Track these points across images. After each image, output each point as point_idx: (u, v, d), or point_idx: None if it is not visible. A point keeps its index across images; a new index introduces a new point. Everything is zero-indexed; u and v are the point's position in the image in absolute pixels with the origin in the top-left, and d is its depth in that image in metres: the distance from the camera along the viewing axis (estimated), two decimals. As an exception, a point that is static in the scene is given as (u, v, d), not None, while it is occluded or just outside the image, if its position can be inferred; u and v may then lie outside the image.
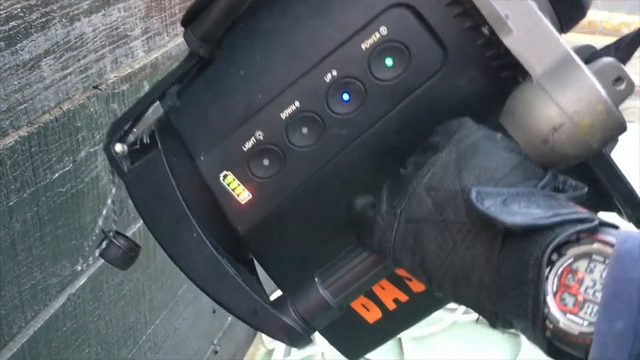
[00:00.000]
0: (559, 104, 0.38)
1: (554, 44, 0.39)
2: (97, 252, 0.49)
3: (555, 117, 0.38)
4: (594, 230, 0.34)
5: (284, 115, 0.43)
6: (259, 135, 0.44)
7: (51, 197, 0.71)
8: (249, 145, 0.44)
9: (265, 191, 0.45)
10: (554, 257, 0.34)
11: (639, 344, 0.31)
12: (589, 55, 0.43)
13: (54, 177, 0.71)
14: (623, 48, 0.44)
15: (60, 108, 0.72)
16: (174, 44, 0.97)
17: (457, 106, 0.42)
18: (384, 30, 0.41)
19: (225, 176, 0.45)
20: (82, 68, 0.75)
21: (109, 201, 0.83)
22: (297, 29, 0.44)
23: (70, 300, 0.78)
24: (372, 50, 0.42)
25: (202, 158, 0.45)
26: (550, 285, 0.34)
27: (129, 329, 0.96)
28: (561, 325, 0.33)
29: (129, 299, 0.94)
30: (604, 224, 0.35)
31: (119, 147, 0.48)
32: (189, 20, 0.45)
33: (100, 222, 0.81)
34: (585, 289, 0.33)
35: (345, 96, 0.43)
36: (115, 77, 0.82)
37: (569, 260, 0.34)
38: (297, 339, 0.45)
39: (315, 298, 0.44)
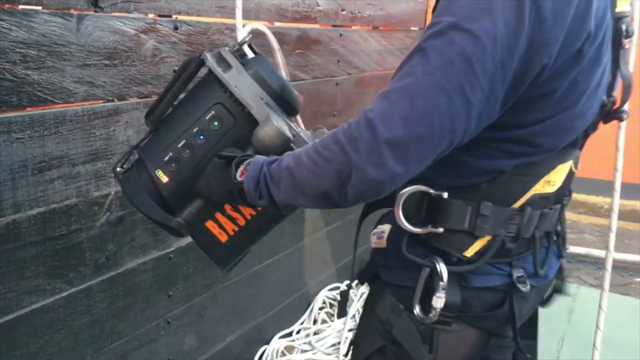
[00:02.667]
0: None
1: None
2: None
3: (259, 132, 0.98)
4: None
5: (179, 145, 1.01)
6: (170, 154, 1.01)
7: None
8: (166, 158, 1.02)
9: (172, 177, 1.01)
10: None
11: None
12: None
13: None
14: None
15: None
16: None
17: (239, 138, 1.00)
18: (212, 112, 1.00)
19: (157, 171, 1.02)
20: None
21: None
22: (181, 115, 1.04)
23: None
24: (210, 119, 1.00)
25: (148, 164, 1.02)
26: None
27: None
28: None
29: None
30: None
31: (118, 168, 1.09)
32: (147, 115, 1.07)
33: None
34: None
35: (201, 137, 1.00)
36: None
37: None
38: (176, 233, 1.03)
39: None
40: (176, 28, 1.48)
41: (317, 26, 2.13)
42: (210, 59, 1.00)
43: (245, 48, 1.07)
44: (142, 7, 1.38)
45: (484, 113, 0.81)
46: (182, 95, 1.07)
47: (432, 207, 0.94)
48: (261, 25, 1.36)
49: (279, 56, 1.32)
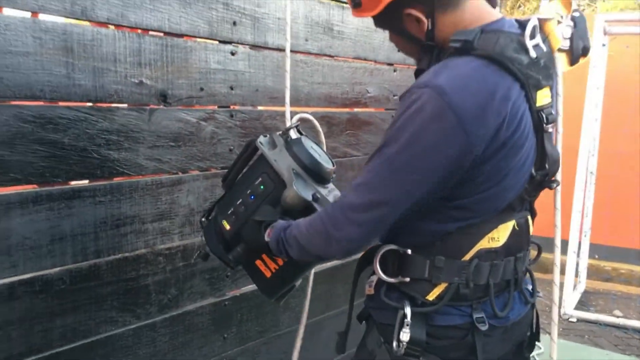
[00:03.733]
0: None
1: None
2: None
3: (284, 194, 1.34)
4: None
5: (237, 202, 1.40)
6: (232, 209, 1.41)
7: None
8: (229, 212, 1.42)
9: (232, 226, 1.40)
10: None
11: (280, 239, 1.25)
12: None
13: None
14: None
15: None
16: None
17: (277, 198, 1.35)
18: (260, 179, 1.39)
19: (223, 221, 1.42)
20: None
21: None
22: (242, 181, 1.46)
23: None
24: (258, 184, 1.38)
25: (218, 217, 1.44)
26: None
27: None
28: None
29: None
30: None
31: (204, 221, 1.51)
32: (222, 180, 1.52)
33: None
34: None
35: (252, 197, 1.39)
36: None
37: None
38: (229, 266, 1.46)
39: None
40: (232, 116, 1.85)
41: (368, 110, 2.44)
42: (262, 141, 1.43)
43: (291, 131, 1.46)
44: (202, 101, 1.76)
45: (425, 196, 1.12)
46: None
47: (401, 261, 1.24)
48: (307, 114, 1.69)
49: (322, 137, 1.69)
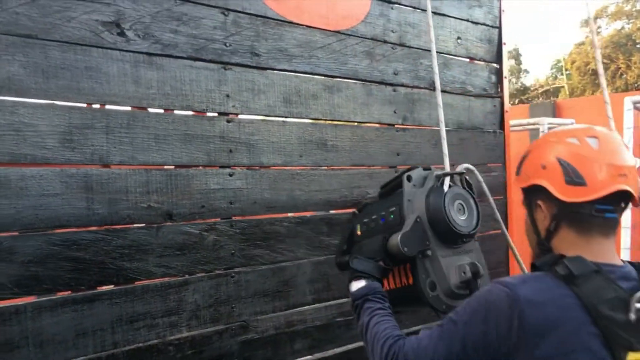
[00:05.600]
0: None
1: None
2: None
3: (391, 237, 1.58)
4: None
5: (373, 217, 1.73)
6: (367, 220, 1.76)
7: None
8: (365, 220, 1.79)
9: (362, 233, 1.76)
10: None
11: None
12: None
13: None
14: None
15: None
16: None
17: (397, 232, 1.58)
18: (393, 208, 1.64)
19: (357, 226, 1.81)
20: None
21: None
22: (385, 201, 1.76)
23: None
24: (390, 212, 1.68)
25: (355, 220, 1.84)
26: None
27: None
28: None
29: None
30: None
31: (356, 212, 1.95)
32: (381, 188, 1.91)
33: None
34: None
35: (382, 220, 1.66)
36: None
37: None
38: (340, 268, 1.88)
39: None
40: (232, 226, 2.24)
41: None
42: (413, 174, 1.61)
43: (447, 178, 1.55)
44: (205, 215, 2.17)
45: None
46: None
47: None
48: (471, 166, 1.72)
49: (484, 188, 1.77)
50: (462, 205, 1.52)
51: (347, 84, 2.61)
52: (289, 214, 2.41)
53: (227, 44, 2.22)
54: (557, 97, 24.22)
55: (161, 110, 2.07)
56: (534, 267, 1.37)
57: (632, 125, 4.17)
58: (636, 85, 20.24)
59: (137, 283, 2.00)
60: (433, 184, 1.53)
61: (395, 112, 2.80)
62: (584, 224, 1.35)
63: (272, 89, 2.35)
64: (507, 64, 3.33)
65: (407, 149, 2.84)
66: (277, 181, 2.36)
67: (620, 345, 1.15)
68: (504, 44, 3.27)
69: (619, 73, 21.12)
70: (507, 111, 3.27)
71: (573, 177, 1.33)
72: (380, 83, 2.74)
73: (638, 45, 21.10)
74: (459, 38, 3.11)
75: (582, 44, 22.84)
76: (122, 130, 1.95)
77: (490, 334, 1.24)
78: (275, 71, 2.37)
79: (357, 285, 1.60)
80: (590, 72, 21.64)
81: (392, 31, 2.79)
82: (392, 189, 1.67)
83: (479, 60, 3.22)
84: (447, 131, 2.95)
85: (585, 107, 6.32)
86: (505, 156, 3.28)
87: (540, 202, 1.41)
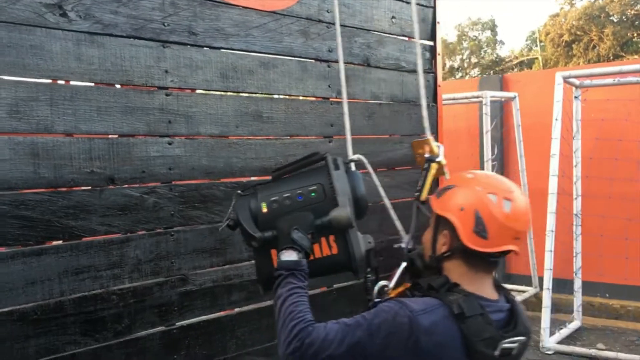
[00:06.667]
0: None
1: None
2: None
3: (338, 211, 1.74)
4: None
5: (284, 195, 1.80)
6: (276, 197, 1.80)
7: None
8: (272, 198, 1.82)
9: (270, 211, 1.80)
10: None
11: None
12: None
13: None
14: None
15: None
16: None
17: (320, 209, 1.74)
18: (314, 186, 1.78)
19: (262, 203, 1.83)
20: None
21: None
22: (295, 179, 1.90)
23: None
24: (310, 190, 1.78)
25: (259, 196, 1.84)
26: None
27: None
28: None
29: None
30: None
31: (240, 193, 1.90)
32: (273, 172, 2.03)
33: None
34: None
35: (300, 197, 1.77)
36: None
37: None
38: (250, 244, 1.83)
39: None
40: (171, 189, 2.48)
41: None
42: (329, 159, 1.78)
43: (352, 164, 1.90)
44: (145, 179, 2.41)
45: None
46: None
47: None
48: (362, 157, 2.13)
49: (374, 177, 2.18)
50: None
51: (283, 60, 2.84)
52: (226, 180, 2.65)
53: (166, 24, 2.43)
54: (532, 68, 24.54)
55: (103, 85, 2.29)
56: (430, 287, 1.66)
57: (560, 98, 4.44)
58: (608, 57, 20.60)
59: (83, 239, 2.24)
60: (346, 168, 1.80)
61: (329, 87, 3.04)
62: (474, 262, 1.68)
63: (209, 65, 2.57)
64: (441, 41, 3.58)
65: (340, 120, 3.08)
66: (214, 149, 2.60)
67: None
68: (438, 22, 3.51)
69: (592, 45, 21.46)
70: (439, 86, 3.52)
71: (480, 230, 1.63)
72: (316, 60, 2.97)
73: (611, 18, 21.41)
74: (393, 17, 3.34)
75: (557, 15, 23.08)
76: (65, 103, 2.17)
77: (388, 349, 1.53)
78: (212, 49, 2.59)
79: (288, 255, 1.70)
80: (563, 44, 21.93)
81: (327, 11, 3.01)
82: (291, 170, 1.87)
83: (414, 38, 3.45)
84: (380, 104, 3.22)
85: (529, 82, 6.59)
86: (438, 127, 3.54)
87: (446, 232, 1.69)
